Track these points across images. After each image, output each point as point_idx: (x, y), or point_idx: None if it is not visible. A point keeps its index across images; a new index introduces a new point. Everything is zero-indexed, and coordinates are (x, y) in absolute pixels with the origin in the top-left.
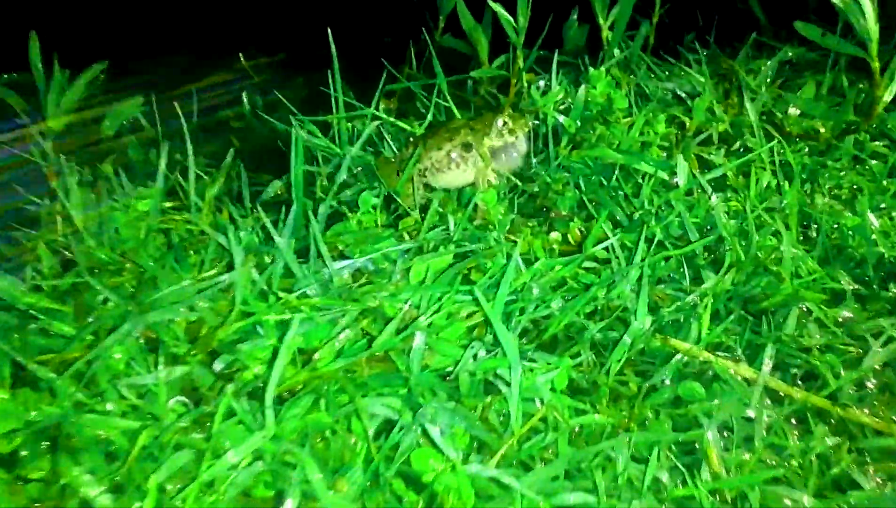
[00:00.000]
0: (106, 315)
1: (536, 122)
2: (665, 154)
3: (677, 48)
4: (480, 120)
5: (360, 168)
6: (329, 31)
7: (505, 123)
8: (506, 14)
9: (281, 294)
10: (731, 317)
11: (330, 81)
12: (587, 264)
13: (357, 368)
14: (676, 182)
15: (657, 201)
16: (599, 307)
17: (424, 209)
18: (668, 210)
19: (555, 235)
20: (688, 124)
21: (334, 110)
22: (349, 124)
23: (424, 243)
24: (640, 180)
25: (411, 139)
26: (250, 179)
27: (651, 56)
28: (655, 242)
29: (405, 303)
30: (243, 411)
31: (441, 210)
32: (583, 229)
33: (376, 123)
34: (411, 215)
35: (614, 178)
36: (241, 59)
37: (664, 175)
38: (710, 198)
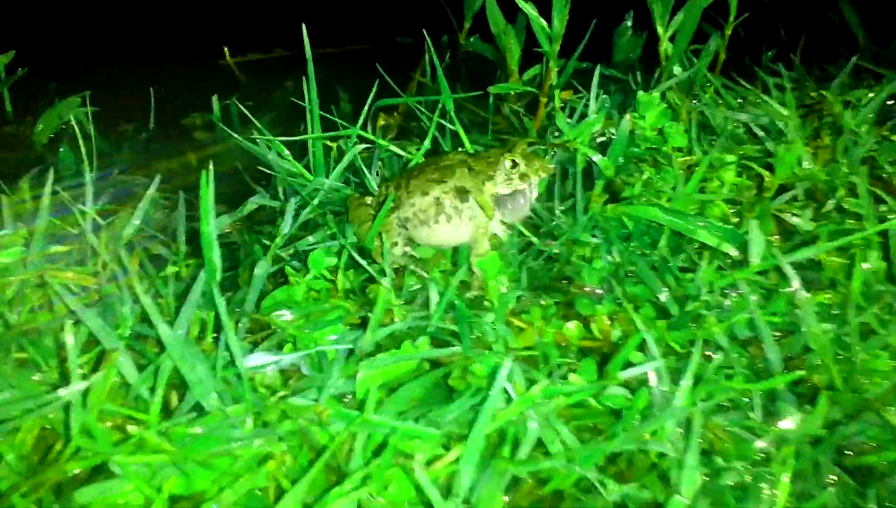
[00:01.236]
0: None
1: (566, 152)
2: (732, 210)
3: (753, 68)
4: (483, 158)
5: (337, 206)
6: (304, 27)
7: (515, 164)
8: (537, 16)
9: (138, 430)
10: (826, 487)
11: (305, 90)
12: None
13: None
14: (747, 259)
15: (719, 284)
16: (626, 452)
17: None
18: (734, 299)
19: (572, 325)
20: (767, 180)
21: (309, 128)
22: (335, 144)
23: (389, 331)
24: (696, 252)
25: (388, 178)
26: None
27: (720, 76)
28: (713, 344)
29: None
30: None
31: (423, 274)
32: (614, 316)
33: (362, 146)
34: (381, 283)
35: (662, 244)
36: (226, 54)
37: (731, 249)
38: (792, 286)
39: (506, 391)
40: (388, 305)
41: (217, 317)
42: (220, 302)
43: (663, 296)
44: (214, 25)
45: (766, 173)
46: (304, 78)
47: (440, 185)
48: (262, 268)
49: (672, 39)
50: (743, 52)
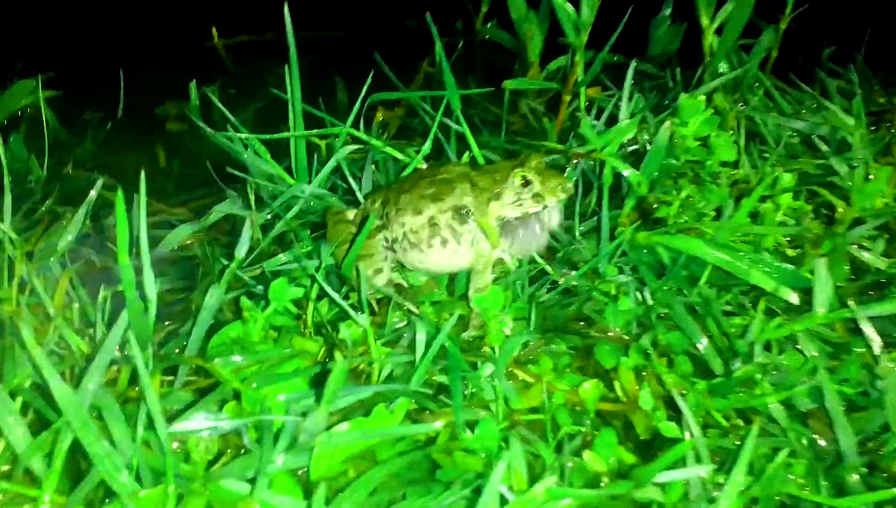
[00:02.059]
0: None
1: (590, 162)
2: (789, 240)
3: (809, 69)
4: (489, 172)
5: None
6: (286, 6)
7: (527, 182)
8: (563, 1)
9: None
10: None
11: (287, 81)
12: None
13: None
14: (812, 309)
15: (773, 336)
16: None
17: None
18: (790, 354)
19: (589, 386)
20: (840, 212)
21: (291, 123)
22: (324, 143)
23: (352, 399)
24: (744, 293)
25: (375, 190)
26: (162, 214)
27: (771, 77)
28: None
29: None
30: None
31: (412, 309)
32: (642, 370)
33: (353, 147)
34: (355, 319)
35: (703, 281)
36: (214, 35)
37: (792, 295)
38: (872, 348)
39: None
40: (358, 345)
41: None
42: (140, 356)
43: (702, 345)
44: (202, 2)
45: (838, 202)
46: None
47: (436, 202)
48: (213, 297)
49: (718, 32)
50: (795, 50)
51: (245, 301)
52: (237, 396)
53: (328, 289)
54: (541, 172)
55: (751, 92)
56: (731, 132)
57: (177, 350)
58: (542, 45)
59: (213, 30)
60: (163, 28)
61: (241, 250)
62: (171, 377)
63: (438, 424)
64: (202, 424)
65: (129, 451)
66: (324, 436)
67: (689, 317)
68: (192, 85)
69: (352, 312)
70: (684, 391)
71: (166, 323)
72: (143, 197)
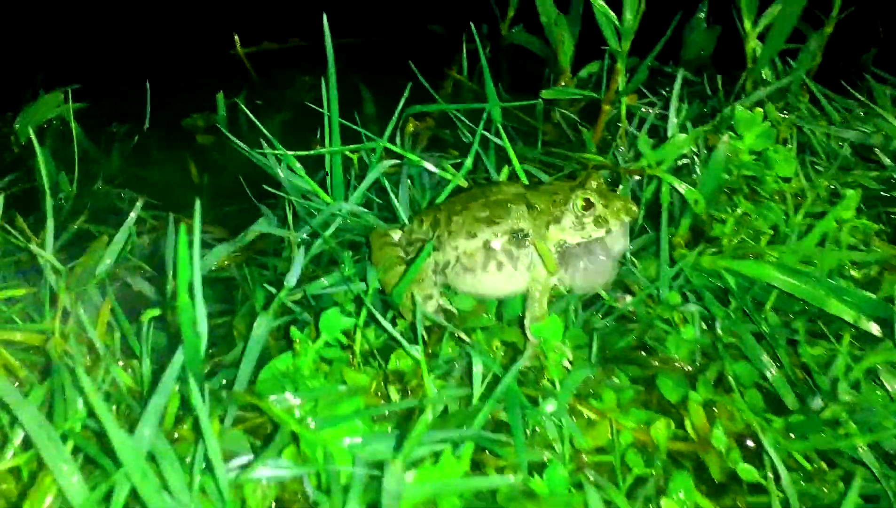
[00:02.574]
0: None
1: (637, 178)
2: (853, 262)
3: (852, 74)
4: (547, 192)
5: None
6: (325, 16)
7: (590, 204)
8: (605, 7)
9: None
10: None
11: (324, 94)
12: None
13: None
14: (887, 334)
15: (856, 372)
16: None
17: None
18: (872, 392)
19: (659, 425)
20: None
21: (326, 139)
22: (356, 155)
23: (426, 449)
24: (811, 320)
25: (420, 210)
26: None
27: (815, 84)
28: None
29: None
30: None
31: (466, 339)
32: (712, 405)
33: (390, 162)
34: (408, 350)
35: (768, 307)
36: (237, 43)
37: (872, 326)
38: None
39: None
40: (413, 374)
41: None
42: (199, 400)
43: (772, 375)
44: (224, 11)
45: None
46: (322, 78)
47: (491, 226)
48: (261, 328)
49: (761, 38)
50: (833, 55)
51: (295, 332)
52: (295, 438)
53: (381, 319)
54: (603, 194)
55: (796, 99)
56: (786, 146)
57: (224, 383)
58: (573, 50)
59: (236, 38)
60: (185, 37)
61: (291, 279)
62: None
63: (511, 477)
64: (263, 473)
65: (186, 501)
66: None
67: (759, 347)
68: (220, 97)
69: (406, 343)
70: (762, 429)
71: (210, 351)
72: (197, 225)
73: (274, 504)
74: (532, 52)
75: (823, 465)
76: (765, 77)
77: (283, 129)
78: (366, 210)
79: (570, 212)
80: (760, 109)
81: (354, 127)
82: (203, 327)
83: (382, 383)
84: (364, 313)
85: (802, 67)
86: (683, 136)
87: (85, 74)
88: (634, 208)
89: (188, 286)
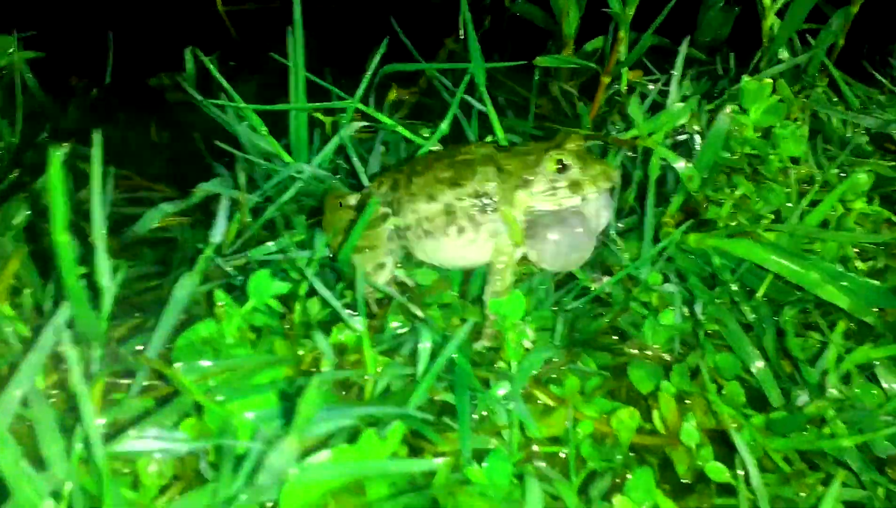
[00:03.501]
0: None
1: (631, 154)
2: (858, 252)
3: (884, 62)
4: (519, 153)
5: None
6: None
7: (563, 166)
8: None
9: None
10: None
11: (289, 45)
12: None
13: None
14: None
15: (847, 364)
16: None
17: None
18: (866, 390)
19: (622, 415)
20: None
21: (291, 94)
22: (330, 120)
23: (331, 426)
24: (803, 311)
25: (383, 170)
26: (144, 190)
27: (834, 67)
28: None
29: None
30: None
31: (416, 312)
32: (686, 397)
33: (360, 124)
34: (348, 322)
35: (760, 294)
36: (218, 1)
37: (869, 316)
38: None
39: None
40: (351, 361)
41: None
42: (74, 355)
43: (757, 369)
44: None
45: None
46: (310, 32)
47: (454, 188)
48: (184, 288)
49: (780, 15)
50: (859, 40)
51: (221, 294)
52: (200, 409)
53: (317, 284)
54: (581, 157)
55: (812, 83)
56: (797, 125)
57: (138, 349)
58: (578, 21)
59: None
60: None
61: (217, 234)
62: (130, 381)
63: (439, 461)
64: (151, 444)
65: (62, 472)
66: (296, 468)
67: (745, 336)
68: (188, 51)
69: (344, 313)
70: (737, 426)
71: (135, 316)
72: (97, 159)
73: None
74: (539, 27)
75: (804, 467)
76: (782, 57)
77: (260, 92)
78: (332, 175)
79: (542, 175)
80: (770, 80)
81: (329, 87)
82: (107, 276)
83: (320, 358)
84: (305, 281)
85: (822, 46)
86: (680, 104)
87: (43, 22)
88: (615, 173)
89: (65, 223)
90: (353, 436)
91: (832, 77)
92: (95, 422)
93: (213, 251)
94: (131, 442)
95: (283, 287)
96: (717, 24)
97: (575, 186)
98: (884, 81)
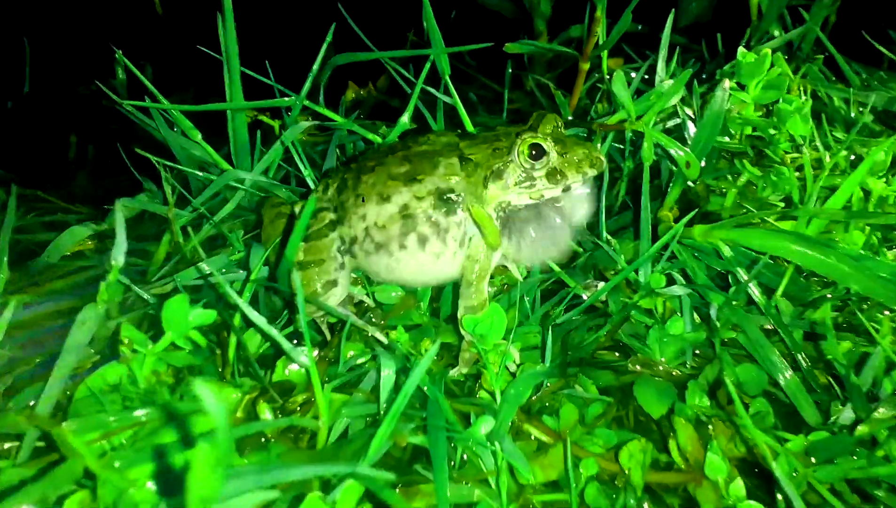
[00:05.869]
0: None
1: (618, 145)
2: (882, 240)
3: (884, 38)
4: (487, 141)
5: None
6: None
7: (540, 152)
8: None
9: None
10: None
11: (221, 34)
12: None
13: None
14: None
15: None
16: None
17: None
18: None
19: (633, 451)
20: None
21: (227, 92)
22: (277, 123)
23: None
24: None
25: (333, 172)
26: (62, 213)
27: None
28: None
29: None
30: None
31: (379, 337)
32: (707, 421)
33: (307, 124)
34: (291, 354)
35: (779, 293)
36: (157, 3)
37: None
38: None
39: None
40: (297, 402)
41: None
42: None
43: (785, 379)
44: None
45: None
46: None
47: (410, 185)
48: (85, 324)
49: None
50: (850, 17)
51: (128, 329)
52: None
53: (247, 309)
54: (558, 140)
55: (808, 60)
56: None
57: (31, 403)
58: (550, 12)
59: None
60: None
61: (118, 256)
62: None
63: None
64: None
65: None
66: None
67: (769, 343)
68: (119, 54)
69: (286, 344)
70: (773, 453)
71: (36, 360)
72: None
73: None
74: (510, 21)
75: (856, 500)
76: (774, 35)
77: (200, 96)
78: (279, 185)
79: (515, 164)
80: (768, 52)
81: (272, 83)
82: None
83: (256, 402)
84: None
85: (816, 20)
86: (671, 82)
87: None
88: (601, 157)
89: None
90: (299, 499)
91: (827, 55)
92: None
93: (127, 277)
94: None
95: (206, 316)
96: (697, 10)
97: (554, 174)
98: (887, 53)
